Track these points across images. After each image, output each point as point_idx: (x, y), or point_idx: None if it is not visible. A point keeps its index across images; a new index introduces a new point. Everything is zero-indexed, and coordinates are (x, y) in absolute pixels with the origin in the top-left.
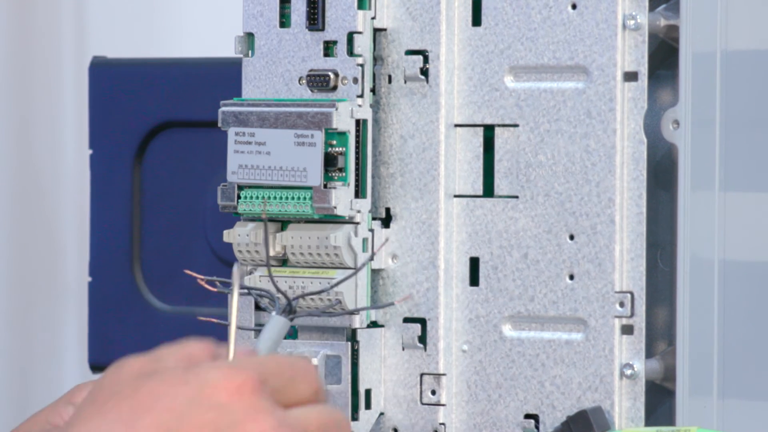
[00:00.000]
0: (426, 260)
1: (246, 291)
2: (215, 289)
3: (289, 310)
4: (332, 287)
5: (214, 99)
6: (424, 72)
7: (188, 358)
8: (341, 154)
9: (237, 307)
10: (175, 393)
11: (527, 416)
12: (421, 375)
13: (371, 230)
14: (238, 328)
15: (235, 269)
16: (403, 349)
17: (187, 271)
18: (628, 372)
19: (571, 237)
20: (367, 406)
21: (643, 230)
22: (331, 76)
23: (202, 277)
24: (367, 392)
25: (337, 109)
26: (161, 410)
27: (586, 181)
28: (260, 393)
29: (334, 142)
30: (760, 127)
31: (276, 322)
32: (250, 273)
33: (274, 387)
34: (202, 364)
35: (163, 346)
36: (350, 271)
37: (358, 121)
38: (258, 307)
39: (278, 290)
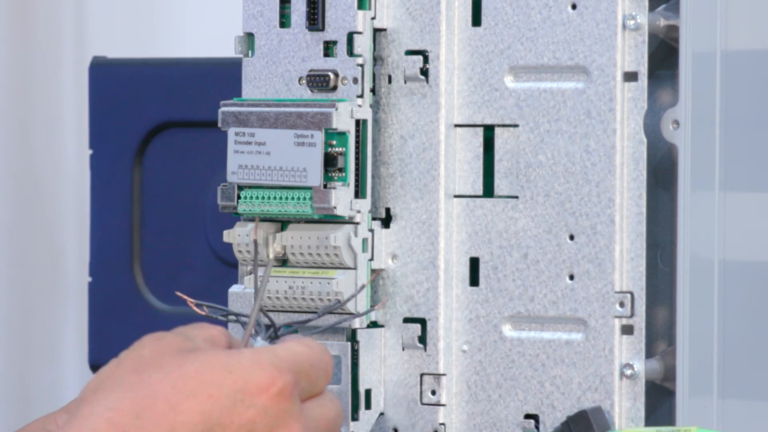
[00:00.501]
0: (426, 260)
1: (235, 319)
2: (203, 312)
3: (275, 337)
4: (320, 316)
5: (214, 99)
6: (424, 72)
7: (211, 339)
8: (341, 154)
9: (262, 296)
10: (220, 382)
11: (527, 416)
12: (421, 375)
13: (371, 230)
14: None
15: (271, 259)
16: (403, 349)
17: (179, 293)
18: (628, 372)
19: (571, 237)
20: (367, 406)
21: (643, 230)
22: (331, 76)
23: (192, 300)
24: (367, 392)
25: (337, 110)
26: (205, 397)
27: (586, 181)
28: (294, 397)
29: (334, 142)
30: (760, 127)
31: (261, 345)
32: (250, 273)
33: (302, 387)
34: (244, 352)
35: (180, 327)
36: (351, 271)
37: (358, 122)
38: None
39: (268, 317)
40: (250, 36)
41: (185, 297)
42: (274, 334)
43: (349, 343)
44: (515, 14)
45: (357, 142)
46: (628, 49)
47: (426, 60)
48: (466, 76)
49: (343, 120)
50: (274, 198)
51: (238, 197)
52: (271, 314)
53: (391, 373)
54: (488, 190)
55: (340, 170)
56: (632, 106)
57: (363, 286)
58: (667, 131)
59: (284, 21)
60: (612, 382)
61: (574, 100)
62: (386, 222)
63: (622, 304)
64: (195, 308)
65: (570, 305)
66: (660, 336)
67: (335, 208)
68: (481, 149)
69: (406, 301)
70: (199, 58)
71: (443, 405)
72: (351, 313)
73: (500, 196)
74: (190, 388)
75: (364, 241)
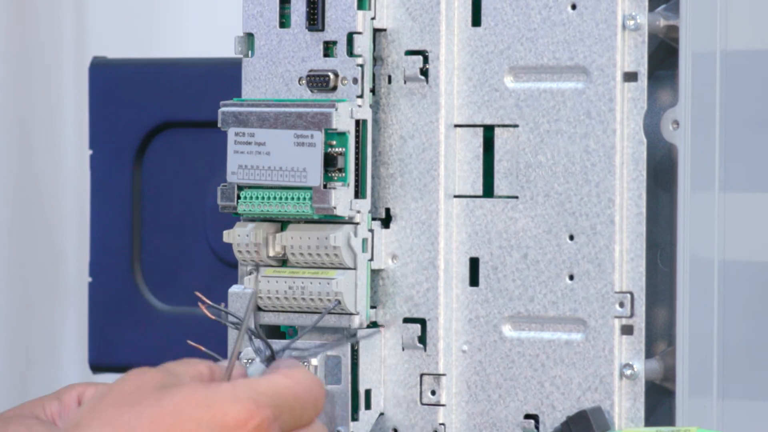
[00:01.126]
0: (426, 260)
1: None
2: (214, 317)
3: (272, 359)
4: (321, 346)
5: (214, 99)
6: (424, 72)
7: (199, 376)
8: (341, 154)
9: (244, 335)
10: (198, 417)
11: (527, 416)
12: (421, 375)
13: (371, 230)
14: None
15: (251, 298)
16: (403, 349)
17: (198, 294)
18: (628, 372)
19: (571, 237)
20: (367, 406)
21: (643, 230)
22: (331, 76)
23: (208, 302)
24: (367, 392)
25: (336, 110)
26: None
27: (586, 181)
28: (272, 431)
29: (334, 143)
30: (760, 127)
31: (256, 369)
32: (250, 273)
33: (284, 420)
34: (222, 386)
35: (169, 363)
36: (350, 271)
37: (357, 122)
38: (257, 308)
39: (266, 343)
40: (250, 36)
41: (202, 297)
42: (272, 357)
43: (349, 343)
44: (515, 14)
45: (357, 142)
46: (628, 49)
47: (426, 60)
48: (466, 76)
49: (342, 120)
50: (274, 198)
51: (238, 197)
52: (270, 315)
53: (391, 373)
54: (488, 190)
55: (340, 170)
56: (632, 106)
57: (372, 330)
58: (667, 131)
59: (284, 21)
60: (612, 382)
61: (574, 100)
62: (386, 222)
63: (621, 304)
64: (207, 312)
65: (570, 305)
66: (660, 336)
67: (335, 208)
68: (481, 149)
69: (406, 301)
70: (199, 58)
71: (443, 405)
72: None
73: (500, 197)
74: (168, 423)
75: (364, 241)
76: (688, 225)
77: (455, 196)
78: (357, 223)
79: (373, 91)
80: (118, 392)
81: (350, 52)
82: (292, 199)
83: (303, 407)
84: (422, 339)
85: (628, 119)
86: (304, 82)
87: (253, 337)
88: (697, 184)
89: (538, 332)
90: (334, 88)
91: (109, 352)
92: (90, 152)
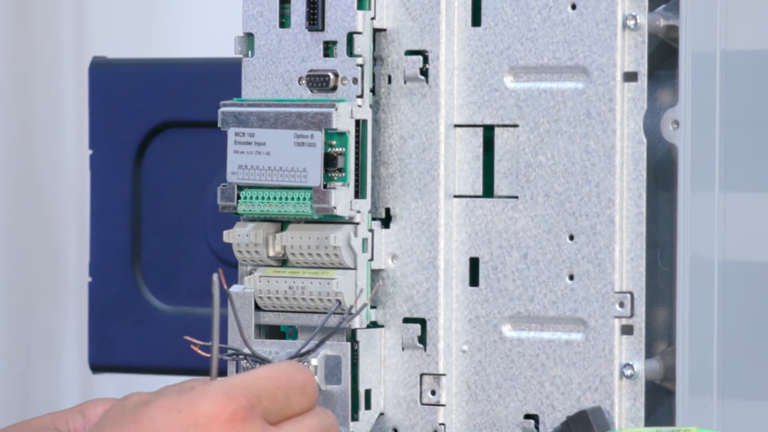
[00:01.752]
0: (426, 260)
1: (242, 357)
2: (208, 355)
3: None
4: (316, 340)
5: (214, 99)
6: (424, 72)
7: (189, 389)
8: (341, 154)
9: (218, 324)
10: (172, 423)
11: (527, 416)
12: (421, 375)
13: (371, 230)
14: (249, 356)
15: (215, 279)
16: (403, 349)
17: (187, 338)
18: (628, 372)
19: (571, 237)
20: (367, 406)
21: (643, 230)
22: (331, 76)
23: (198, 342)
24: (367, 392)
25: (336, 110)
26: None
27: (586, 181)
28: (251, 419)
29: (334, 143)
30: (760, 127)
31: None
32: (250, 273)
33: (267, 408)
34: (196, 387)
35: (169, 385)
36: (350, 271)
37: (357, 122)
38: (257, 307)
39: (254, 352)
40: (250, 36)
41: (192, 339)
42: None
43: (349, 343)
44: (515, 14)
45: (357, 142)
46: (628, 49)
47: (426, 60)
48: (466, 76)
49: (342, 120)
50: (274, 198)
51: (238, 197)
52: (270, 315)
53: (391, 373)
54: (488, 190)
55: (340, 170)
56: (632, 106)
57: (364, 305)
58: (667, 131)
59: (284, 21)
60: (612, 382)
61: (574, 100)
62: (386, 222)
63: (621, 304)
64: (200, 351)
65: (570, 305)
66: (660, 336)
67: (335, 208)
68: (481, 149)
69: (406, 301)
70: (199, 58)
71: (443, 405)
72: (345, 313)
73: (500, 196)
74: None
75: (364, 241)
76: (688, 225)
77: (455, 196)
78: (357, 223)
79: (373, 91)
80: (106, 418)
81: (350, 52)
82: (292, 199)
83: (288, 394)
84: (422, 339)
85: (628, 119)
86: (304, 82)
87: (251, 358)
88: (697, 184)
89: (538, 332)
90: (334, 88)
91: (109, 352)
92: (90, 152)
